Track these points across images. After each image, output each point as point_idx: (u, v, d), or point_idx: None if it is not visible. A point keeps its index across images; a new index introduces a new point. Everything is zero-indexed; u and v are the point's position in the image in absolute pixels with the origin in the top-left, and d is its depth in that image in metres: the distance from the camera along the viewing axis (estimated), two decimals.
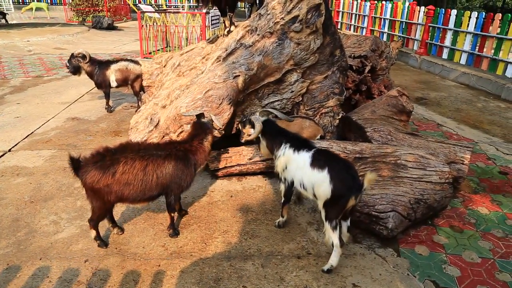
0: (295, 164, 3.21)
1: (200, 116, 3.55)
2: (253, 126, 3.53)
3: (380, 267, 3.19)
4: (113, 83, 6.35)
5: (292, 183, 3.29)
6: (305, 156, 3.14)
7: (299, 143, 3.30)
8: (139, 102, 6.47)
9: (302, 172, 3.14)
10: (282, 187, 3.46)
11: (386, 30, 13.90)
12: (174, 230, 3.51)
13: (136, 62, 6.42)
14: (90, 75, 6.40)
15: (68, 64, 6.31)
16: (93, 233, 3.29)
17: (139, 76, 6.26)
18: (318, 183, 2.99)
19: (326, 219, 2.99)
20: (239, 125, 3.81)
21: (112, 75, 6.29)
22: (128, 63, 6.36)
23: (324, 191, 2.95)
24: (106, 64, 6.38)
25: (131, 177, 3.01)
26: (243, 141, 3.81)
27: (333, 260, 3.07)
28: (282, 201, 3.55)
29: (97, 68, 6.30)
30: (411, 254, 3.36)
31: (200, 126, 3.47)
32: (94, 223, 3.25)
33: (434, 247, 3.47)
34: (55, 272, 3.05)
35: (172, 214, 3.45)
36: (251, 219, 3.80)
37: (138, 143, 3.37)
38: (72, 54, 6.26)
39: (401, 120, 5.09)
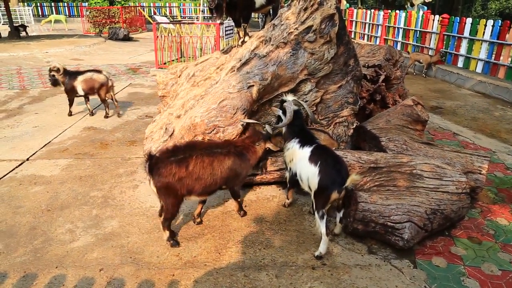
0: (298, 158, 3.60)
1: (257, 124, 4.11)
2: (284, 112, 3.87)
3: (396, 279, 3.14)
4: (81, 92, 6.93)
5: (295, 173, 3.68)
6: (306, 151, 3.54)
7: (306, 140, 3.67)
8: (106, 109, 7.18)
9: (301, 164, 3.54)
10: (287, 174, 3.92)
11: (400, 39, 13.83)
12: (244, 212, 3.97)
13: (100, 72, 7.02)
14: (63, 84, 6.95)
15: (49, 78, 6.93)
16: (166, 234, 3.45)
17: (103, 85, 6.86)
18: (311, 176, 3.38)
19: (315, 209, 3.36)
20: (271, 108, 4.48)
21: (79, 85, 6.86)
22: (93, 73, 6.96)
23: (313, 183, 3.35)
24: (74, 74, 6.98)
25: (202, 171, 3.31)
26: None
27: (322, 247, 3.36)
28: (288, 186, 4.06)
29: (67, 78, 6.87)
30: (428, 266, 3.30)
31: (254, 131, 3.86)
32: (168, 222, 3.42)
33: (451, 258, 3.40)
34: (71, 281, 3.08)
35: (239, 199, 3.90)
36: (265, 229, 3.78)
37: (201, 141, 3.74)
38: (49, 68, 6.86)
39: (416, 129, 5.03)
